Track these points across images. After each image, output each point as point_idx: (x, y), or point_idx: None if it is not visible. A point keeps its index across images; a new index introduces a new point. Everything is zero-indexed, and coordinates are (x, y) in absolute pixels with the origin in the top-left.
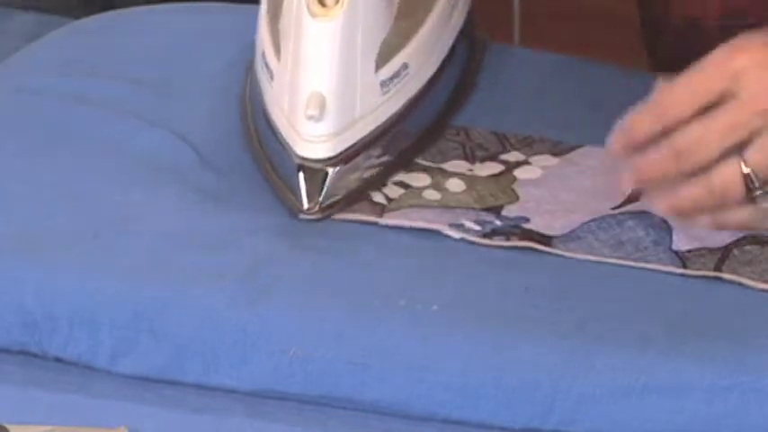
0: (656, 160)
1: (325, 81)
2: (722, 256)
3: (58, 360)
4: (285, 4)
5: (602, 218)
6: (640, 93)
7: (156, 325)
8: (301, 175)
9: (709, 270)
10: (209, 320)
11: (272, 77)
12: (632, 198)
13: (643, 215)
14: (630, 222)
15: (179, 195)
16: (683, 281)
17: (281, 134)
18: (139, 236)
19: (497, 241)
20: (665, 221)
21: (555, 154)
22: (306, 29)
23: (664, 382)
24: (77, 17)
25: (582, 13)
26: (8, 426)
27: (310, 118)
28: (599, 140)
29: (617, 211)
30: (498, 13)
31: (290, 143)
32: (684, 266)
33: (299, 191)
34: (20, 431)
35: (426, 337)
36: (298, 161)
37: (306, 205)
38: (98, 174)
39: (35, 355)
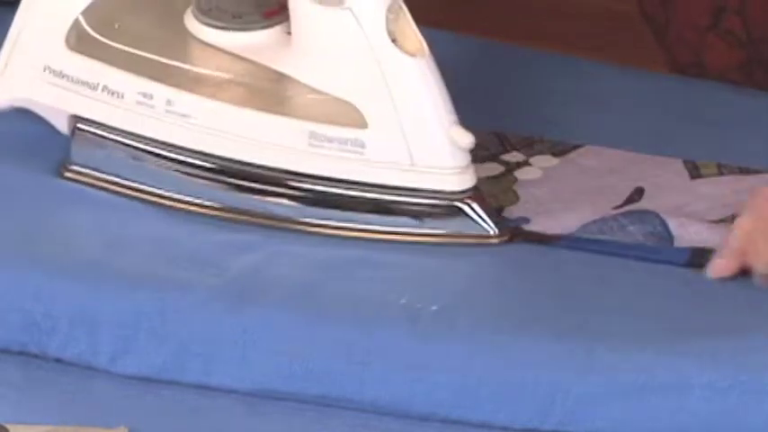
0: None
1: (450, 110)
2: None
3: (57, 360)
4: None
5: (604, 220)
6: (641, 91)
7: (156, 325)
8: (477, 206)
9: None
10: (209, 320)
11: (362, 145)
12: (632, 198)
13: (641, 225)
14: (631, 228)
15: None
16: (683, 280)
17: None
18: (141, 233)
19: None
20: (666, 230)
21: (555, 154)
22: (408, 68)
23: (663, 381)
24: None
25: (582, 12)
26: (8, 425)
27: (467, 146)
28: (599, 140)
29: (618, 210)
30: (499, 11)
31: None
32: (690, 263)
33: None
34: (20, 431)
35: (426, 336)
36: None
37: (496, 231)
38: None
39: (35, 356)
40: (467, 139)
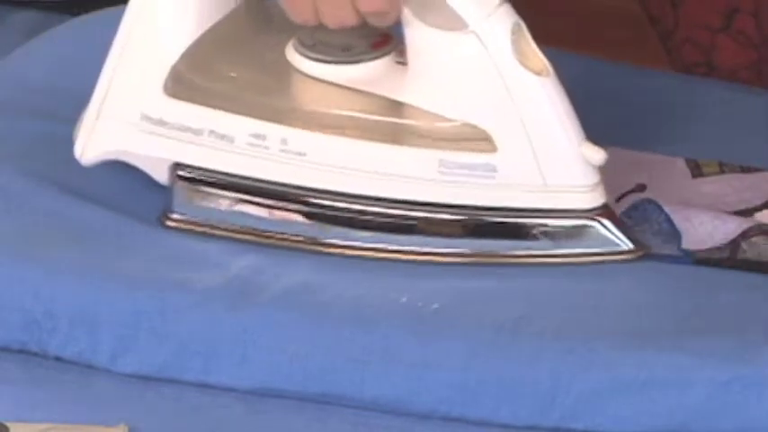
0: None
1: (579, 127)
2: (731, 251)
3: (57, 359)
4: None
5: None
6: (643, 89)
7: (156, 324)
8: (609, 222)
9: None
10: (209, 319)
11: (494, 170)
12: (636, 189)
13: (647, 224)
14: (637, 228)
15: None
16: (683, 276)
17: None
18: (141, 234)
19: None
20: (671, 225)
21: None
22: (536, 88)
23: (664, 377)
24: (77, 14)
25: (585, 10)
26: (8, 423)
27: (598, 162)
28: (602, 138)
29: (621, 204)
30: None
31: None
32: (696, 263)
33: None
34: (20, 429)
35: (427, 334)
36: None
37: (633, 246)
38: (100, 169)
39: (35, 354)
40: (598, 155)
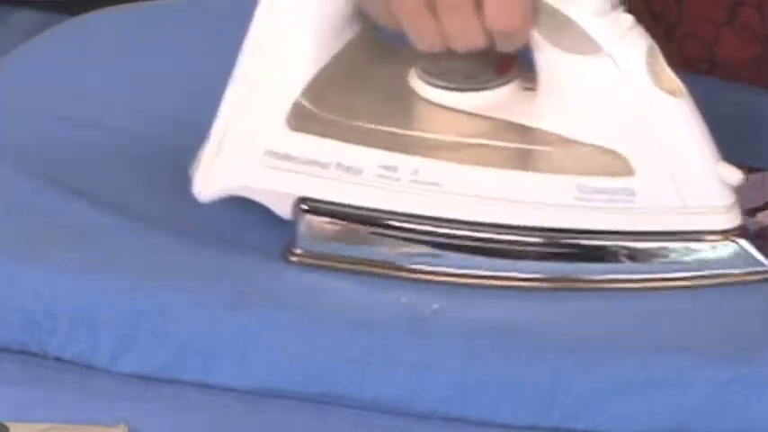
0: None
1: (714, 148)
2: None
3: (57, 359)
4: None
5: None
6: None
7: (156, 324)
8: (746, 243)
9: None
10: (209, 319)
11: (632, 194)
12: None
13: None
14: None
15: (181, 193)
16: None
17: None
18: (141, 235)
19: None
20: None
21: None
22: (673, 110)
23: (664, 377)
24: (77, 14)
25: None
26: (8, 423)
27: (736, 182)
28: None
29: None
30: None
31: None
32: None
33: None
34: (20, 429)
35: (427, 334)
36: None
37: None
38: (100, 169)
39: (35, 354)
40: (735, 175)
